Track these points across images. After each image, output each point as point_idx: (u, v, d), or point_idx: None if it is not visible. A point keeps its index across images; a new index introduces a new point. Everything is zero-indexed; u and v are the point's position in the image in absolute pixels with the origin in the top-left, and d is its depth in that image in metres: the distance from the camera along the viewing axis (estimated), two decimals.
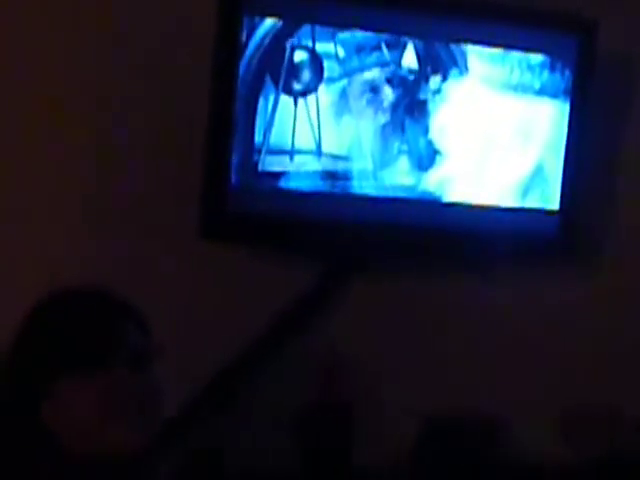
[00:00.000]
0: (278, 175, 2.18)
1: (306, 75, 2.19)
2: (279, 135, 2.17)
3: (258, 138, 2.15)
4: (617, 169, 2.62)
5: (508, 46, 2.35)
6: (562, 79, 2.41)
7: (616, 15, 2.51)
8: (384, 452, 2.31)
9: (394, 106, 2.27)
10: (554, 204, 2.44)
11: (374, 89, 2.26)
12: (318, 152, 2.21)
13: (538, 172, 2.41)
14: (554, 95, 2.41)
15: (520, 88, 2.38)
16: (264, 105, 2.15)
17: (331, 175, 2.22)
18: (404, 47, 2.27)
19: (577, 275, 2.57)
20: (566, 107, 2.42)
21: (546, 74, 2.39)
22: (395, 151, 2.28)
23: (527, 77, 2.38)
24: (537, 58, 2.38)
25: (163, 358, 1.49)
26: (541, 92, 2.40)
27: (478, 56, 2.33)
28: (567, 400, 2.47)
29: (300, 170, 2.20)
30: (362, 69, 2.24)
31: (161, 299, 2.21)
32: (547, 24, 2.40)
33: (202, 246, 2.17)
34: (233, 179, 2.14)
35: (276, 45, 2.15)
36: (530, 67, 2.38)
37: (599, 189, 2.58)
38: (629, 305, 2.63)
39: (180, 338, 2.21)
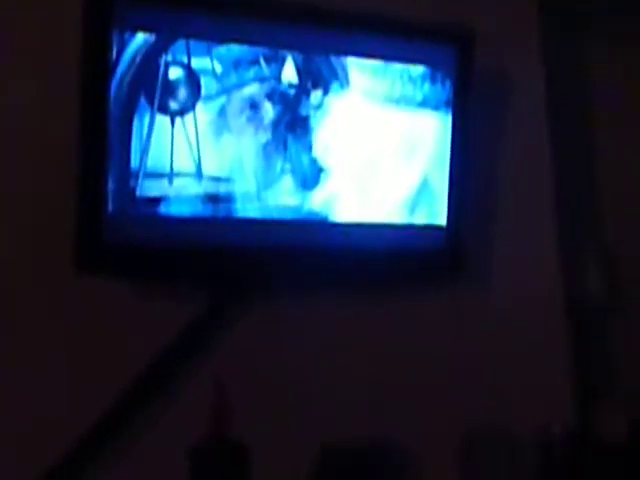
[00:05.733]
0: (157, 200, 2.05)
1: (182, 93, 2.07)
2: (156, 158, 2.04)
3: (134, 162, 2.01)
4: (498, 181, 2.60)
5: (389, 58, 2.30)
6: (443, 90, 2.37)
7: (493, 27, 2.50)
8: None
9: (275, 123, 2.18)
10: (442, 219, 2.39)
11: (254, 106, 2.16)
12: (198, 174, 2.09)
13: (424, 187, 2.36)
14: (436, 107, 2.37)
15: (402, 101, 2.32)
16: (139, 126, 2.02)
17: (213, 198, 2.11)
18: (283, 61, 2.18)
19: (465, 290, 2.53)
20: (448, 119, 2.39)
21: (427, 86, 2.35)
22: (278, 170, 2.18)
23: (409, 89, 2.32)
24: (418, 70, 2.33)
25: None
26: (423, 104, 2.35)
27: (359, 69, 2.26)
28: (467, 421, 2.42)
29: (180, 194, 2.07)
30: (241, 85, 2.14)
31: (33, 336, 2.06)
32: (426, 35, 2.37)
33: (77, 279, 2.01)
34: (109, 207, 2.00)
35: (149, 62, 2.03)
36: (411, 79, 2.33)
37: (483, 203, 2.55)
38: (513, 319, 2.60)
39: (55, 378, 2.07)
